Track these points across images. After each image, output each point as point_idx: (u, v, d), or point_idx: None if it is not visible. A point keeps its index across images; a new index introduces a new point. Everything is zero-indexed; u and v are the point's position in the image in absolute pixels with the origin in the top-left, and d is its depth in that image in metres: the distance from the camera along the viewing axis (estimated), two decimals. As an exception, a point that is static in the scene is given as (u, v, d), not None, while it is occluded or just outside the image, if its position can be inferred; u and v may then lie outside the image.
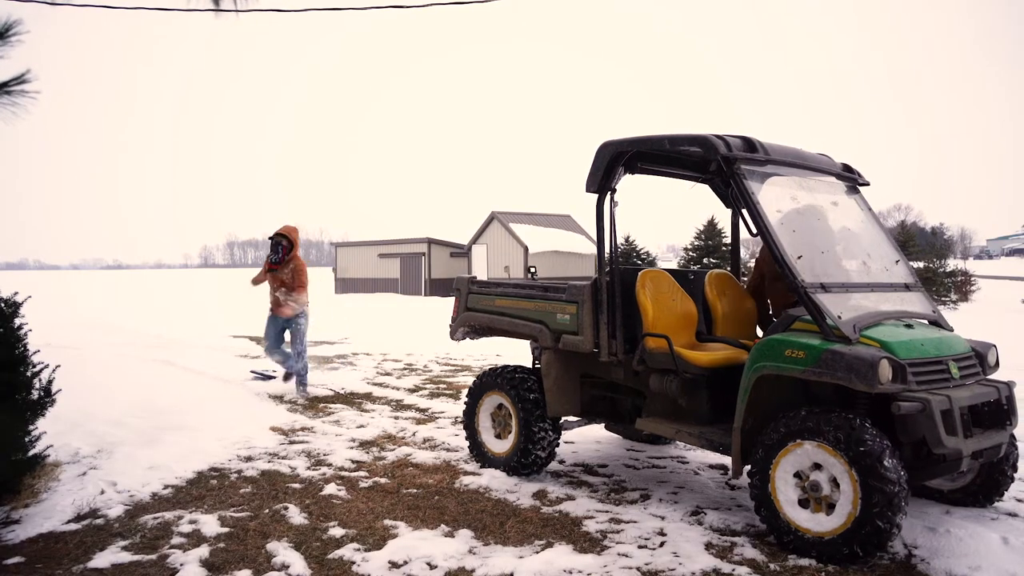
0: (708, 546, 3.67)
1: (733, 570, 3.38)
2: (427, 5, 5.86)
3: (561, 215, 33.71)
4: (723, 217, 24.69)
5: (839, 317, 3.61)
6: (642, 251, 26.21)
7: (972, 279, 24.55)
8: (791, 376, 3.63)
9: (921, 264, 22.75)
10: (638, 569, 3.42)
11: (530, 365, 5.31)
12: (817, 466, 3.49)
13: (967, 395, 3.54)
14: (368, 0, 5.88)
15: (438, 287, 31.40)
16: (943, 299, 22.26)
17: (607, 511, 4.22)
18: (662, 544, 3.72)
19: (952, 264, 24.64)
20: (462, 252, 32.51)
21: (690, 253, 26.08)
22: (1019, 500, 4.33)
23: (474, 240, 31.61)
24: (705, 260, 24.79)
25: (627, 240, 26.19)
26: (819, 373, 3.48)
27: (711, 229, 25.44)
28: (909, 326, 3.88)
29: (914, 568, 3.42)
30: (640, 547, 3.68)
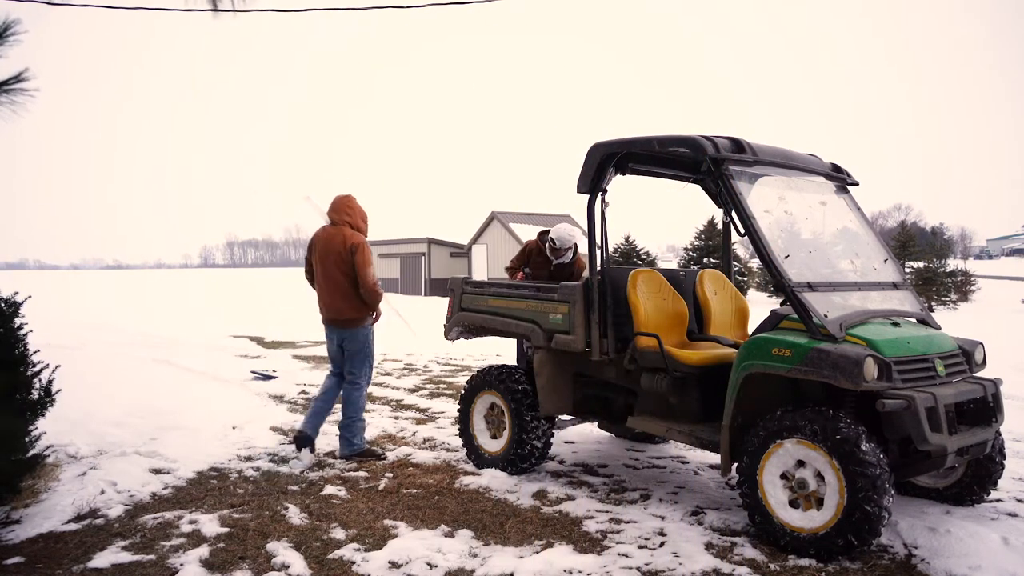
0: (708, 546, 3.66)
1: (733, 570, 3.37)
2: (427, 5, 5.85)
3: (561, 215, 33.72)
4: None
5: (825, 316, 3.63)
6: (642, 251, 26.22)
7: (972, 279, 24.56)
8: (779, 375, 3.65)
9: (921, 264, 22.74)
10: (638, 569, 3.41)
11: (524, 365, 5.32)
12: (801, 463, 3.53)
13: (952, 392, 3.56)
14: (368, 0, 5.88)
15: (438, 287, 31.39)
16: (943, 299, 22.25)
17: (607, 511, 4.22)
18: (662, 544, 3.71)
19: (952, 264, 24.65)
20: (462, 252, 32.51)
21: (690, 253, 26.08)
22: (1019, 500, 4.33)
23: (474, 240, 31.60)
24: (705, 260, 24.79)
25: (627, 240, 26.20)
26: (805, 371, 3.50)
27: (711, 229, 25.44)
28: (896, 324, 3.89)
29: (914, 568, 3.42)
30: (640, 547, 3.67)
